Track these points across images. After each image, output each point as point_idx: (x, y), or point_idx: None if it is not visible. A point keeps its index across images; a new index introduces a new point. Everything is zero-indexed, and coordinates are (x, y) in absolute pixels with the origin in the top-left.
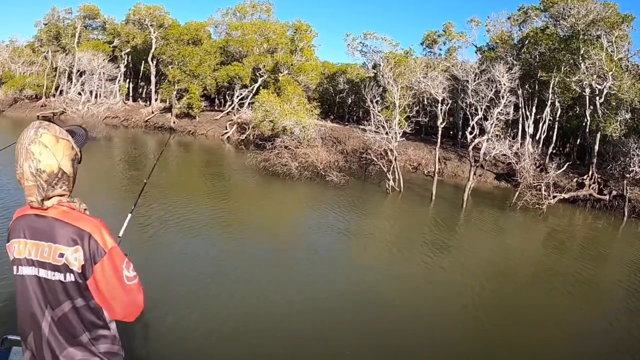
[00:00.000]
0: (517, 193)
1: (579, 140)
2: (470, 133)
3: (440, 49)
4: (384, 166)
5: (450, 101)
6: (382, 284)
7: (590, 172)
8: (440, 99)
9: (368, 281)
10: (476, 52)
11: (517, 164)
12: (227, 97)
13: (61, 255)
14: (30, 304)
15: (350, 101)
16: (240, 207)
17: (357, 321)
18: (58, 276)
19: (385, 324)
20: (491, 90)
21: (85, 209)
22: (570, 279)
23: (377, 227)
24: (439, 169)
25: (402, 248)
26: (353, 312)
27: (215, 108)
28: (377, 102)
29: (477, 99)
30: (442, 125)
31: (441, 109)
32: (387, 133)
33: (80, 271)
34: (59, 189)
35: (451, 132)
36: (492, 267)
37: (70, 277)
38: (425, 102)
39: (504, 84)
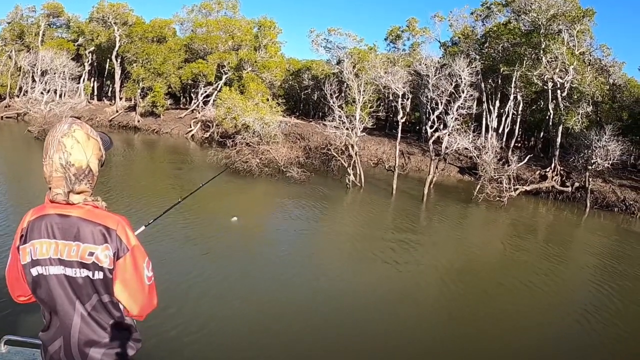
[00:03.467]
0: (479, 186)
1: (542, 134)
2: (431, 127)
3: (404, 45)
4: (344, 161)
5: (412, 96)
6: (341, 282)
7: (553, 165)
8: (400, 93)
9: (327, 279)
10: (440, 48)
11: (478, 157)
12: (192, 94)
13: (91, 253)
14: (59, 301)
15: (315, 97)
16: (197, 205)
17: (312, 319)
18: (86, 273)
19: (345, 321)
20: (451, 84)
21: (106, 207)
22: (531, 268)
23: (336, 223)
24: (402, 163)
25: (361, 244)
26: (307, 311)
27: (181, 106)
28: (337, 97)
29: (438, 93)
30: (402, 120)
31: (402, 104)
32: (347, 128)
33: (110, 267)
34: (84, 185)
35: (417, 127)
36: (453, 260)
37: (98, 275)
38: (390, 98)
39: (464, 78)
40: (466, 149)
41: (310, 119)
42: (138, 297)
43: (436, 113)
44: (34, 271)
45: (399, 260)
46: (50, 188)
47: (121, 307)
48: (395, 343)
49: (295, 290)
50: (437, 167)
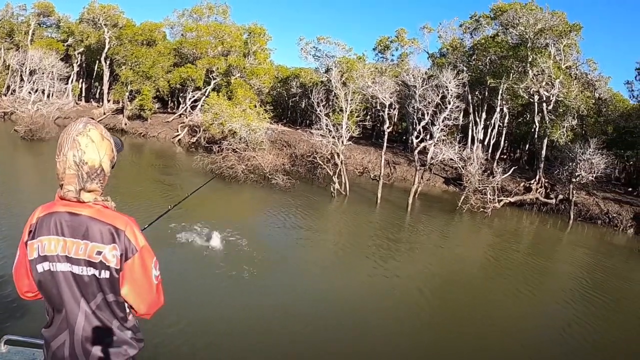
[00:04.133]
0: (463, 197)
1: (528, 146)
2: (417, 137)
3: (393, 55)
4: (330, 170)
5: (399, 106)
6: (323, 292)
7: (538, 177)
8: (387, 103)
9: (310, 289)
10: (428, 59)
11: (463, 168)
12: (180, 99)
13: (99, 252)
14: (65, 298)
15: (303, 105)
16: (180, 211)
17: (296, 331)
18: (93, 271)
19: (329, 332)
20: (438, 95)
21: (115, 207)
22: (513, 279)
23: (318, 231)
24: (387, 173)
25: (343, 252)
26: (292, 322)
27: (168, 110)
28: (324, 106)
29: (425, 104)
30: (388, 130)
31: (388, 114)
32: (333, 137)
33: (117, 267)
34: (95, 184)
35: (404, 137)
36: (435, 270)
37: (105, 274)
38: (378, 107)
39: (451, 90)
40: (451, 159)
41: (298, 127)
42: (146, 296)
43: (422, 123)
44: (40, 267)
45: (379, 269)
46: (61, 186)
47: (126, 306)
48: (372, 349)
49: (272, 297)
50: (422, 177)
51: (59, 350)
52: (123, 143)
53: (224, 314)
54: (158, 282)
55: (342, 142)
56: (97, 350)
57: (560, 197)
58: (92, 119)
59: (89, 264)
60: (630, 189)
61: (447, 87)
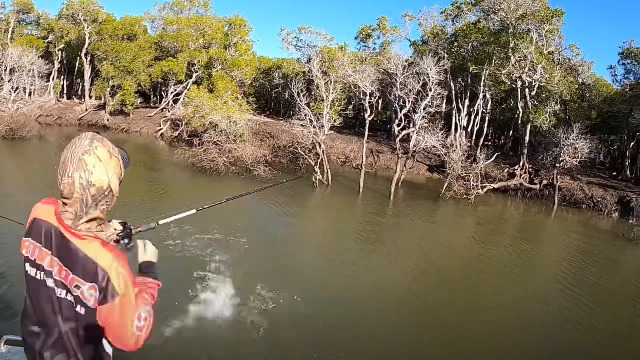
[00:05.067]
0: (446, 184)
1: (512, 133)
2: (399, 125)
3: (375, 44)
4: (311, 160)
5: (383, 95)
6: (303, 285)
7: (522, 163)
8: (368, 92)
9: (290, 283)
10: (411, 47)
11: (446, 155)
12: (162, 93)
13: (78, 287)
14: (46, 308)
15: (286, 96)
16: (157, 204)
17: (283, 322)
18: (70, 298)
19: (315, 323)
20: (419, 83)
21: (108, 236)
22: (496, 264)
23: (298, 222)
24: (371, 162)
25: (323, 243)
26: (268, 317)
27: (152, 105)
28: (305, 96)
29: (406, 92)
30: (370, 119)
31: (369, 102)
32: (314, 127)
33: (94, 307)
34: (99, 210)
35: (388, 126)
36: (417, 257)
37: (80, 310)
38: (361, 96)
39: (432, 77)
40: (434, 147)
41: (281, 118)
42: (125, 342)
43: (404, 111)
44: (30, 270)
45: (360, 259)
46: (61, 197)
47: (100, 348)
48: (355, 342)
49: (250, 288)
50: (405, 166)
51: (31, 352)
52: (130, 157)
53: (200, 309)
54: (141, 333)
55: (324, 132)
56: None
57: (545, 182)
58: (98, 133)
59: (69, 292)
60: (615, 174)
61: (428, 74)
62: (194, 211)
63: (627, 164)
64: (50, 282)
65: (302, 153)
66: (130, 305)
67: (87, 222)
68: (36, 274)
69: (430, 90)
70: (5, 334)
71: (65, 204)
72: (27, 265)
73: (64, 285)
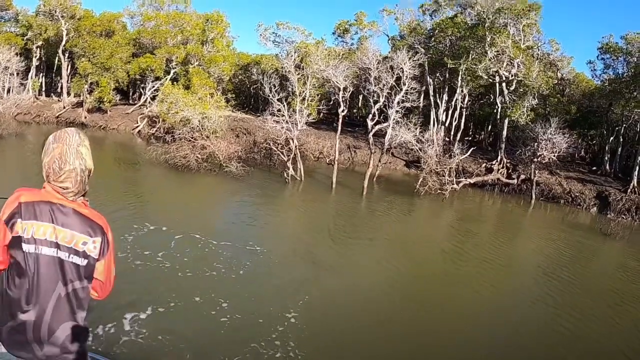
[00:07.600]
0: (420, 179)
1: (491, 127)
2: (372, 120)
3: (352, 39)
4: (284, 155)
5: (356, 90)
6: (274, 286)
7: (499, 158)
8: (342, 86)
9: (261, 283)
10: (389, 42)
11: (420, 150)
12: (141, 90)
13: (84, 243)
14: (42, 279)
15: (264, 92)
16: (125, 202)
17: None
18: (76, 259)
19: (289, 328)
20: (392, 77)
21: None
22: (469, 259)
23: (271, 217)
24: (348, 157)
25: (289, 242)
26: (235, 312)
27: (130, 102)
28: (277, 91)
29: (380, 86)
30: (343, 113)
31: (343, 97)
32: (287, 122)
33: (96, 257)
34: (86, 186)
35: (365, 122)
36: (388, 254)
37: (84, 262)
38: (335, 91)
39: (406, 71)
40: (409, 142)
41: (259, 114)
42: (106, 287)
43: (377, 106)
44: (27, 247)
45: (327, 256)
46: (48, 180)
47: (90, 292)
48: (324, 341)
49: (224, 287)
50: (380, 161)
51: (22, 326)
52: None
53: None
54: (114, 275)
55: (297, 127)
56: (61, 332)
57: (522, 177)
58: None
59: (75, 252)
60: (594, 168)
61: (402, 68)
62: None
63: (606, 158)
64: (51, 251)
65: (274, 148)
66: (114, 256)
67: (82, 195)
68: (35, 249)
69: (404, 85)
70: None
71: (64, 188)
72: (25, 246)
73: (68, 247)
